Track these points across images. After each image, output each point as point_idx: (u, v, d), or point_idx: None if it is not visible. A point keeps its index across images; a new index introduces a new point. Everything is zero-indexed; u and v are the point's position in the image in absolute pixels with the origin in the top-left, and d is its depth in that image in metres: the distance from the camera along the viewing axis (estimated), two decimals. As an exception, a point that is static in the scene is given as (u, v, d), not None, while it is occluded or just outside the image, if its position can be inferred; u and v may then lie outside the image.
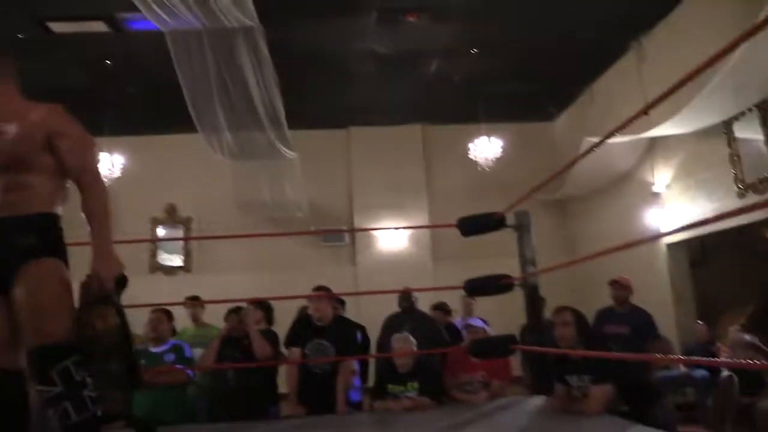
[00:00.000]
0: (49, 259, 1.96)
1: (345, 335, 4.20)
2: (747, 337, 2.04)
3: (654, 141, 7.12)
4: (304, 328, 4.16)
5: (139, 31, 7.01)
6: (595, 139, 6.00)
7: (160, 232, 9.42)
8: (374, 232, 9.31)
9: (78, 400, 1.83)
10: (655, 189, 7.20)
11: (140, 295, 6.83)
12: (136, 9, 6.63)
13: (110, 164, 7.79)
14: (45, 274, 1.93)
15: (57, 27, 6.85)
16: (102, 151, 7.81)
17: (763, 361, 1.95)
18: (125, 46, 7.19)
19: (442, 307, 6.12)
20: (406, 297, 5.24)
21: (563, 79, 8.48)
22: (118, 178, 7.93)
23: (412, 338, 4.12)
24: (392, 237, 9.39)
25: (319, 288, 4.31)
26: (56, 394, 1.81)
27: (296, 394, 4.00)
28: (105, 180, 5.81)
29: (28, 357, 1.86)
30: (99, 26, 6.89)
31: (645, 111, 2.13)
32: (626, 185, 7.97)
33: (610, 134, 2.63)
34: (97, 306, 1.94)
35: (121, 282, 2.02)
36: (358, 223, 9.44)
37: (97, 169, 2.17)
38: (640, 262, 7.21)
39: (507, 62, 7.90)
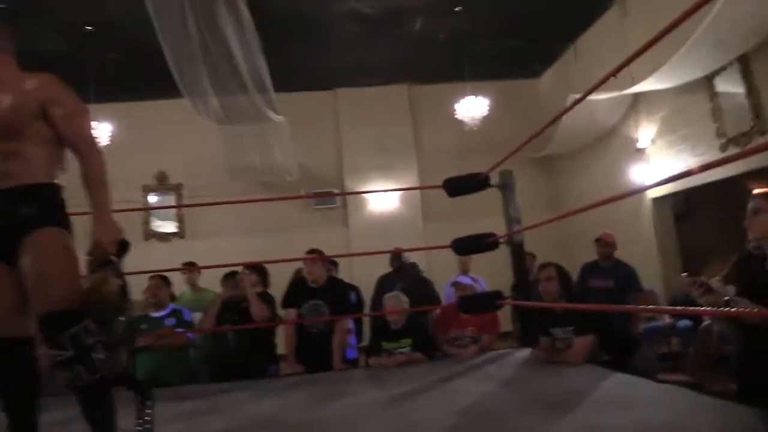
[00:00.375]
0: (52, 228, 2.02)
1: (339, 296, 4.35)
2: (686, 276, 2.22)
3: (637, 97, 7.20)
4: (299, 290, 4.30)
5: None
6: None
7: (152, 198, 9.47)
8: (366, 194, 9.41)
9: (89, 362, 1.93)
10: (639, 145, 7.32)
11: (135, 262, 6.91)
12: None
13: (98, 132, 7.77)
14: (49, 243, 1.98)
15: (38, -7, 6.76)
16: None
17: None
18: (105, 11, 7.11)
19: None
20: (397, 257, 5.39)
21: (548, 35, 8.50)
22: (106, 146, 7.93)
23: (403, 296, 4.27)
24: (383, 198, 9.50)
25: (312, 251, 4.43)
26: (68, 358, 1.90)
27: (294, 354, 4.17)
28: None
29: (38, 324, 1.95)
30: (81, -8, 6.81)
31: (626, 64, 2.19)
32: (611, 141, 8.08)
33: (593, 89, 2.71)
34: (100, 271, 2.03)
35: (123, 246, 2.11)
36: (349, 184, 9.53)
37: (92, 136, 2.20)
38: (625, 216, 7.38)
39: (491, 19, 7.90)
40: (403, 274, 5.29)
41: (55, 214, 2.07)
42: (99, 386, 1.97)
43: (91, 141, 2.16)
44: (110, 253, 2.04)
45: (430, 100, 9.83)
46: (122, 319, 2.07)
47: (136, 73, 8.35)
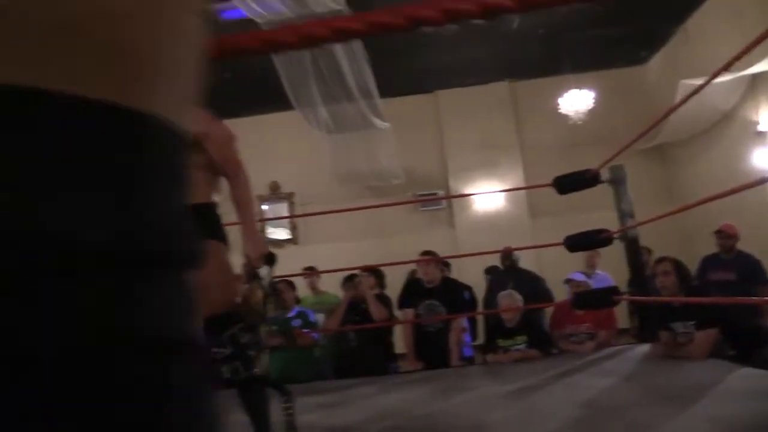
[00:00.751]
0: (213, 242, 2.29)
1: (454, 295, 4.50)
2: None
3: (756, 78, 6.83)
4: (414, 290, 4.49)
5: (230, 20, 7.47)
6: (692, 81, 5.88)
7: (265, 207, 10.04)
8: (471, 192, 9.48)
9: (245, 359, 2.23)
10: (760, 128, 6.94)
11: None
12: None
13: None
14: (210, 255, 2.29)
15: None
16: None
17: None
18: (217, 34, 7.64)
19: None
20: (507, 255, 5.46)
21: (653, 19, 8.20)
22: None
23: (517, 294, 4.36)
24: (488, 197, 9.54)
25: (426, 252, 4.62)
26: (228, 355, 2.20)
27: (413, 351, 4.37)
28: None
29: (204, 325, 2.25)
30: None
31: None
32: (728, 126, 7.69)
33: (716, 75, 2.61)
34: (249, 283, 2.31)
35: (270, 259, 2.38)
36: (453, 185, 9.64)
37: (238, 160, 2.46)
38: (748, 205, 7.01)
39: (591, 7, 7.73)
40: (514, 272, 5.36)
41: (215, 230, 2.35)
42: (255, 380, 2.24)
43: (238, 165, 2.42)
44: (257, 267, 2.31)
45: (533, 96, 9.75)
46: (263, 326, 2.34)
47: (248, 90, 8.91)
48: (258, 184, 9.89)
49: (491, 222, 9.42)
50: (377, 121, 6.72)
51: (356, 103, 6.05)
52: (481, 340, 5.02)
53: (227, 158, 2.40)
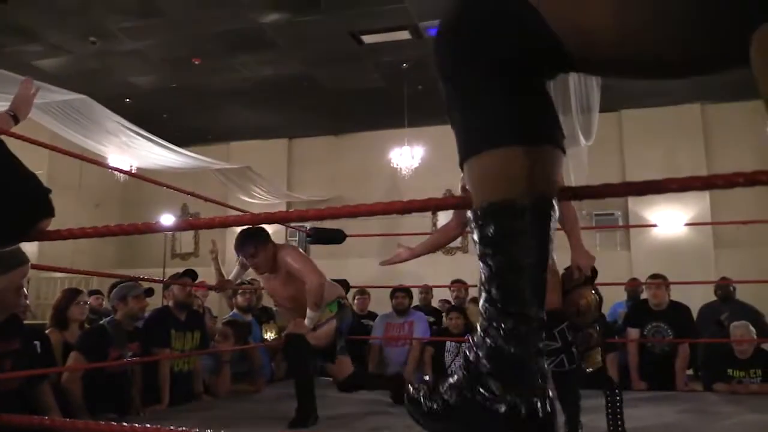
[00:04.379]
0: None
1: (681, 319, 4.48)
2: None
3: None
4: (641, 311, 4.53)
5: (434, 37, 7.83)
6: None
7: (442, 214, 10.35)
8: (651, 217, 9.24)
9: (570, 353, 2.46)
10: None
11: (426, 273, 7.60)
12: (438, 17, 7.47)
13: (410, 155, 8.77)
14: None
15: (368, 39, 7.89)
16: (403, 144, 8.86)
17: None
18: (419, 49, 8.03)
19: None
20: (723, 286, 5.34)
21: None
22: (416, 168, 8.91)
23: (752, 327, 4.27)
24: (670, 222, 9.25)
25: (654, 276, 4.64)
26: (556, 348, 2.44)
27: (637, 371, 4.41)
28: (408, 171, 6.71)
29: None
30: (403, 35, 7.80)
31: None
32: None
33: None
34: (580, 288, 2.55)
35: (594, 271, 2.59)
36: (633, 207, 9.45)
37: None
38: None
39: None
40: (730, 302, 5.23)
41: None
42: (576, 374, 2.45)
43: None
44: (588, 275, 2.53)
45: (727, 120, 9.34)
46: (596, 327, 2.54)
47: (437, 101, 9.26)
48: (440, 191, 10.33)
49: (670, 249, 9.11)
50: (582, 139, 6.78)
51: (569, 117, 6.12)
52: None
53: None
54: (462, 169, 0.94)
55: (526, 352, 0.89)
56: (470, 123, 0.93)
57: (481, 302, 0.93)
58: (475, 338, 0.93)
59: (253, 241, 3.39)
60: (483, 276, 0.92)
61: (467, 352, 0.94)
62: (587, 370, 2.53)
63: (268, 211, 3.37)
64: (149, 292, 3.91)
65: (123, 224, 1.34)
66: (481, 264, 0.93)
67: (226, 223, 1.30)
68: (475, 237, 0.93)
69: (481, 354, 0.91)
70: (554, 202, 0.91)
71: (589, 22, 0.83)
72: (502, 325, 0.89)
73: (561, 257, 2.73)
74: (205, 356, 4.28)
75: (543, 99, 0.94)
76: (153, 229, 1.42)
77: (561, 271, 2.65)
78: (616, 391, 2.55)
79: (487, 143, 0.90)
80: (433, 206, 1.11)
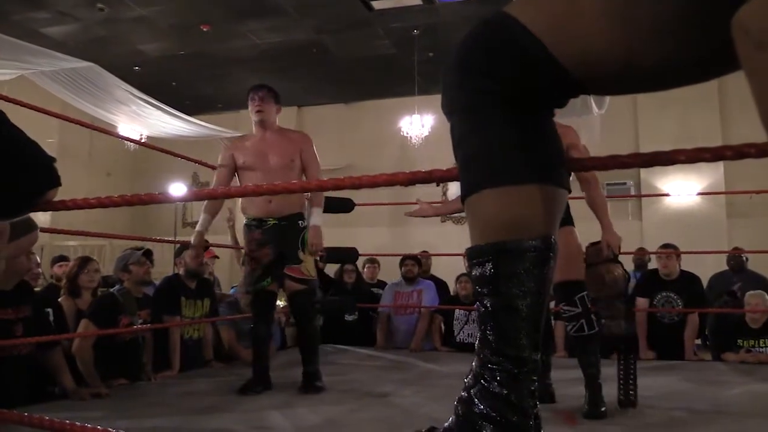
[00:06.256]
0: (570, 227, 2.67)
1: (691, 289, 4.47)
2: None
3: None
4: (652, 280, 4.51)
5: (445, 2, 7.70)
6: None
7: (452, 184, 10.31)
8: (663, 186, 9.16)
9: (589, 319, 2.58)
10: None
11: (435, 242, 7.61)
12: (449, -18, 7.32)
13: (421, 124, 8.70)
14: (569, 236, 2.64)
15: (378, 4, 7.75)
16: (413, 112, 8.78)
17: None
18: (430, 15, 7.90)
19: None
20: (735, 256, 5.31)
21: None
22: (426, 137, 8.85)
23: (767, 296, 4.25)
24: (682, 191, 9.16)
25: (666, 245, 4.61)
26: (576, 314, 2.58)
27: (645, 341, 4.41)
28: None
29: (557, 287, 2.60)
30: (414, 0, 7.65)
31: None
32: None
33: None
34: (606, 264, 2.65)
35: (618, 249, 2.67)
36: (645, 177, 9.35)
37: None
38: None
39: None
40: (742, 273, 5.20)
41: (569, 218, 2.64)
42: (594, 339, 2.58)
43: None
44: (615, 252, 2.65)
45: (742, 88, 8.95)
46: (622, 299, 2.60)
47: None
48: (452, 160, 10.27)
49: (683, 219, 9.04)
50: (594, 108, 6.68)
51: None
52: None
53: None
54: (463, 204, 0.93)
55: (520, 395, 0.89)
56: (473, 159, 0.92)
57: (476, 343, 0.92)
58: (469, 379, 0.93)
59: (274, 92, 3.38)
60: (479, 315, 0.92)
61: (462, 393, 0.94)
62: (611, 336, 2.69)
63: (276, 180, 3.30)
64: (148, 253, 3.93)
65: (127, 195, 1.33)
66: (478, 303, 0.93)
67: (234, 194, 1.29)
68: (472, 274, 0.92)
69: (474, 395, 0.91)
70: (555, 244, 0.91)
71: (592, 49, 0.83)
72: (497, 368, 0.89)
73: (582, 228, 2.78)
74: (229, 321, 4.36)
75: (548, 136, 0.94)
76: (158, 199, 1.41)
77: (583, 242, 2.75)
78: (631, 358, 2.59)
79: (489, 181, 0.89)
80: (437, 177, 1.09)
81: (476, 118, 0.92)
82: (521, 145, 0.89)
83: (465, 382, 0.94)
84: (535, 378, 0.90)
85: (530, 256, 0.88)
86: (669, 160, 0.99)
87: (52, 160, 1.44)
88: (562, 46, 0.85)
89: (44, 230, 2.65)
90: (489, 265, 0.89)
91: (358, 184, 1.13)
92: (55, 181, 1.41)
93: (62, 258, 5.71)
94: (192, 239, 3.38)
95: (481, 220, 0.92)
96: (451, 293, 5.48)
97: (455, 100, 0.95)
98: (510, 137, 0.89)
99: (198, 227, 3.33)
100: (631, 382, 2.60)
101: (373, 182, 1.12)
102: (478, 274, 0.91)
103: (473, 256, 0.93)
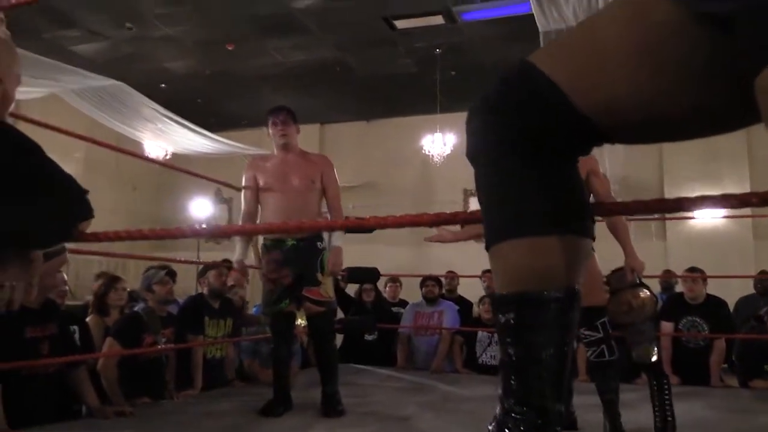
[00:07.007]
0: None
1: (717, 313, 4.40)
2: None
3: None
4: (677, 304, 4.45)
5: (468, 22, 7.73)
6: None
7: (473, 200, 10.31)
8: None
9: (610, 345, 2.59)
10: None
11: (457, 261, 7.56)
12: (472, 2, 7.35)
13: (442, 142, 8.72)
14: (592, 263, 2.62)
15: (400, 24, 7.81)
16: (435, 130, 8.80)
17: None
18: (453, 34, 7.94)
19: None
20: (763, 280, 5.22)
21: None
22: (447, 155, 8.85)
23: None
24: (708, 211, 9.03)
25: (692, 269, 4.55)
26: (597, 339, 2.59)
27: (670, 365, 4.34)
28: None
29: (582, 312, 2.55)
30: (437, 20, 7.69)
31: None
32: None
33: None
34: (631, 289, 2.64)
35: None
36: (669, 195, 9.23)
37: (607, 188, 2.89)
38: None
39: None
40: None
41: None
42: (614, 364, 2.60)
43: (607, 192, 2.82)
44: (639, 277, 2.68)
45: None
46: (650, 323, 2.59)
47: (470, 87, 9.18)
48: (468, 178, 10.27)
49: (708, 239, 8.90)
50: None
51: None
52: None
53: (595, 190, 2.74)
54: (487, 251, 0.94)
55: None
56: (497, 208, 0.93)
57: (499, 391, 0.93)
58: (493, 426, 0.93)
59: (292, 113, 3.41)
60: (502, 363, 0.93)
61: None
62: (641, 362, 2.68)
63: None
64: (171, 273, 3.99)
65: (156, 229, 1.36)
66: (501, 351, 0.93)
67: (261, 231, 1.30)
68: (497, 322, 0.93)
69: None
70: (579, 294, 0.91)
71: (615, 99, 0.84)
72: (520, 417, 0.89)
73: (601, 248, 2.76)
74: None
75: (572, 185, 0.94)
76: (185, 233, 1.44)
77: (602, 265, 2.75)
78: (665, 382, 2.57)
79: (512, 231, 0.90)
80: (461, 219, 1.10)
81: (499, 168, 0.92)
82: (544, 196, 0.90)
83: (489, 429, 0.94)
84: (558, 428, 0.90)
85: (553, 307, 0.88)
86: (694, 205, 0.99)
87: (85, 192, 1.48)
88: (585, 96, 0.85)
89: (71, 251, 2.70)
90: (512, 315, 0.90)
91: (383, 224, 1.15)
92: (88, 213, 1.44)
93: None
94: (234, 264, 3.47)
95: (504, 269, 0.92)
96: (474, 314, 5.45)
97: (479, 149, 0.96)
98: (533, 187, 0.90)
99: (237, 255, 3.39)
100: (667, 406, 2.58)
101: (398, 223, 1.14)
102: (501, 322, 0.92)
103: (496, 305, 0.93)
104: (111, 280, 3.77)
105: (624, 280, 2.65)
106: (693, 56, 0.78)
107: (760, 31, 0.65)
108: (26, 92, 5.95)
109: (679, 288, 5.16)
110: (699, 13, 0.74)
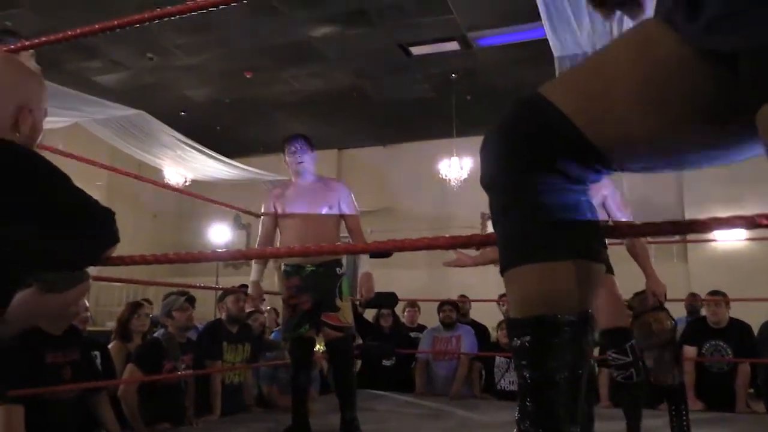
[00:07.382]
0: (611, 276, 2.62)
1: (741, 337, 4.33)
2: None
3: None
4: (700, 328, 4.39)
5: (483, 47, 7.80)
6: None
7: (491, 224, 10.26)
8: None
9: (638, 367, 2.57)
10: None
11: (474, 285, 7.49)
12: (486, 28, 7.42)
13: (459, 166, 8.74)
14: (611, 285, 2.64)
15: (416, 50, 7.90)
16: (452, 154, 8.83)
17: None
18: (468, 59, 8.01)
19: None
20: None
21: None
22: (464, 180, 8.86)
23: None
24: (730, 232, 8.92)
25: (714, 292, 4.50)
26: (626, 362, 2.56)
27: (694, 390, 4.27)
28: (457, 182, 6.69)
29: (605, 334, 2.60)
30: (452, 46, 7.78)
31: None
32: None
33: None
34: (653, 312, 2.63)
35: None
36: (690, 216, 9.15)
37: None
38: None
39: None
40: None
41: (609, 268, 2.64)
42: (642, 387, 2.58)
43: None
44: (661, 301, 2.68)
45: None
46: (672, 348, 2.57)
47: (486, 111, 9.22)
48: (486, 201, 10.27)
49: (731, 260, 8.78)
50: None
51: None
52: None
53: (613, 213, 2.80)
54: (502, 276, 0.96)
55: None
56: (512, 233, 0.95)
57: (517, 415, 0.94)
58: None
59: (308, 140, 3.43)
60: (518, 387, 0.95)
61: None
62: (660, 385, 2.68)
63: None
64: (190, 299, 4.01)
65: (181, 252, 1.39)
66: (516, 373, 0.95)
67: (282, 254, 1.33)
68: (512, 346, 0.95)
69: None
70: (592, 318, 0.93)
71: (624, 130, 0.87)
72: None
73: (623, 270, 2.76)
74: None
75: (584, 211, 0.96)
76: (207, 258, 1.47)
77: (623, 283, 2.72)
78: (683, 408, 2.54)
79: (526, 257, 0.92)
80: (477, 242, 1.11)
81: (513, 197, 0.95)
82: (557, 223, 0.92)
83: None
84: None
85: (567, 331, 0.90)
86: (706, 227, 1.00)
87: (113, 215, 1.51)
88: (595, 127, 0.88)
89: (94, 278, 2.74)
90: (526, 338, 0.92)
91: (401, 247, 1.16)
92: (116, 239, 1.48)
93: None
94: (249, 289, 3.46)
95: (518, 294, 0.94)
96: (492, 339, 5.41)
97: (494, 179, 0.99)
98: (546, 215, 0.92)
99: (253, 277, 3.40)
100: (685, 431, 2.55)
101: (415, 246, 1.15)
102: (516, 346, 0.94)
103: (511, 328, 0.96)
104: (134, 306, 3.81)
105: (646, 303, 2.66)
106: (698, 91, 0.81)
107: (763, 69, 0.67)
108: (51, 122, 6.10)
109: (703, 311, 5.08)
110: (703, 49, 0.76)
